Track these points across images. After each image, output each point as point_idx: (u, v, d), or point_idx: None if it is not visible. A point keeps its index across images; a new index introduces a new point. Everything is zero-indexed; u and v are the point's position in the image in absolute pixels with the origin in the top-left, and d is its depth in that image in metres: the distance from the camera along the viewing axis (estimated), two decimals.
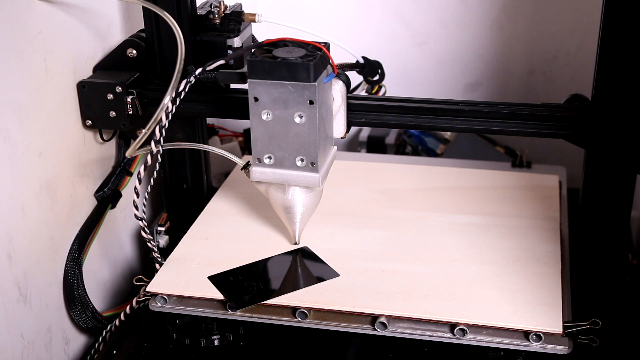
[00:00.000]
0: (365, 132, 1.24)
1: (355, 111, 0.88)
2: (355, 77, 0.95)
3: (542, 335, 0.76)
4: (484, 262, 0.86)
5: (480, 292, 0.81)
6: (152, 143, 0.82)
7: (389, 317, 0.79)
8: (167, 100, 0.81)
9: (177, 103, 0.83)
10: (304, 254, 0.87)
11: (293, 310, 0.81)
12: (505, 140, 1.20)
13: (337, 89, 0.85)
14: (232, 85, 0.95)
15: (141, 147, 0.85)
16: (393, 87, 1.05)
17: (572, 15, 1.20)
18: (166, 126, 0.82)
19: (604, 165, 0.86)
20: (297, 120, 0.79)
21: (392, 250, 0.88)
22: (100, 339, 0.90)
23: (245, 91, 0.82)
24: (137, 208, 0.85)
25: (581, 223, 0.91)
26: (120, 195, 0.98)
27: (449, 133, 1.19)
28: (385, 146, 1.22)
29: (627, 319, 0.89)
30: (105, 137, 0.99)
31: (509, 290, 0.81)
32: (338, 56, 0.86)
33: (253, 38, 0.99)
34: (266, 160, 0.83)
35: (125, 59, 0.95)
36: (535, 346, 0.77)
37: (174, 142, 0.96)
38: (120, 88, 0.92)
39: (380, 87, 1.01)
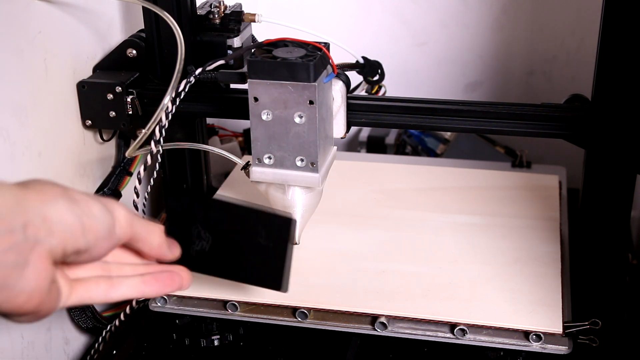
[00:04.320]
0: (365, 132, 1.24)
1: (355, 111, 0.88)
2: (355, 77, 0.95)
3: (542, 335, 0.76)
4: (484, 262, 0.86)
5: (480, 292, 0.81)
6: (152, 143, 0.82)
7: (388, 317, 0.79)
8: (167, 100, 0.81)
9: (177, 103, 0.83)
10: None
11: (293, 310, 0.81)
12: (505, 140, 1.20)
13: (337, 89, 0.85)
14: (232, 85, 0.95)
15: (141, 147, 0.85)
16: (393, 87, 1.05)
17: (572, 15, 1.20)
18: (166, 126, 0.82)
19: (604, 165, 0.86)
20: (297, 120, 0.79)
21: (392, 250, 0.88)
22: (100, 339, 0.90)
23: (245, 91, 0.82)
24: (137, 208, 0.85)
25: (581, 223, 0.91)
26: (120, 196, 0.97)
27: (449, 133, 1.19)
28: (385, 146, 1.22)
29: (627, 319, 0.89)
30: (105, 137, 0.99)
31: (509, 290, 0.81)
32: (338, 56, 0.86)
33: (253, 38, 0.99)
34: (266, 160, 0.83)
35: (125, 59, 0.95)
36: (535, 346, 0.77)
37: (174, 142, 0.96)
38: (120, 88, 0.92)
39: (380, 87, 1.00)
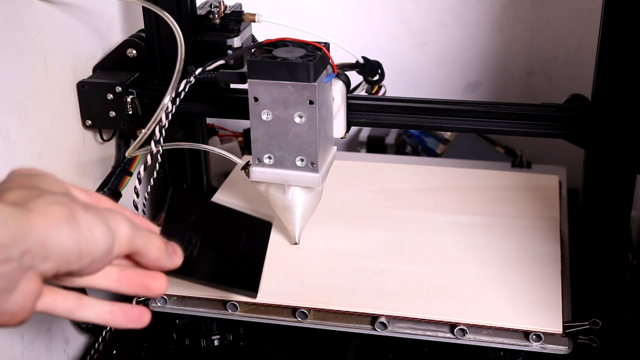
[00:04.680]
0: (365, 132, 1.24)
1: (355, 111, 0.88)
2: (355, 77, 0.95)
3: (542, 335, 0.76)
4: (484, 262, 0.86)
5: (480, 292, 0.81)
6: (152, 143, 0.82)
7: (389, 317, 0.79)
8: (167, 100, 0.81)
9: (177, 103, 0.83)
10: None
11: (293, 310, 0.81)
12: (505, 140, 1.20)
13: (337, 89, 0.85)
14: (232, 85, 0.95)
15: (141, 147, 0.85)
16: (393, 87, 1.05)
17: (572, 15, 1.20)
18: (166, 126, 0.82)
19: (604, 165, 0.86)
20: (297, 120, 0.79)
21: (392, 250, 0.88)
22: (100, 339, 0.90)
23: (245, 91, 0.82)
24: (137, 208, 0.85)
25: (581, 223, 0.91)
26: (120, 195, 0.97)
27: (449, 133, 1.19)
28: (385, 146, 1.22)
29: (627, 319, 0.89)
30: (105, 137, 0.99)
31: (509, 290, 0.81)
32: (338, 56, 0.86)
33: (253, 38, 0.99)
34: (266, 160, 0.83)
35: (125, 59, 0.95)
36: (535, 346, 0.77)
37: (174, 142, 0.96)
38: (120, 88, 0.92)
39: (380, 87, 1.00)
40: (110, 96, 0.92)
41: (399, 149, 1.22)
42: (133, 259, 0.55)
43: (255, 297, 0.67)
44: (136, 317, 0.56)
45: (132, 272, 0.56)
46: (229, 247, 0.65)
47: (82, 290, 0.55)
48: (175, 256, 0.58)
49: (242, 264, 0.66)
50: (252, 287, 0.66)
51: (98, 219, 0.50)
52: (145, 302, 0.86)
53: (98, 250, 0.50)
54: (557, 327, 0.76)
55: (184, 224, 0.61)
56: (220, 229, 0.64)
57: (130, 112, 0.93)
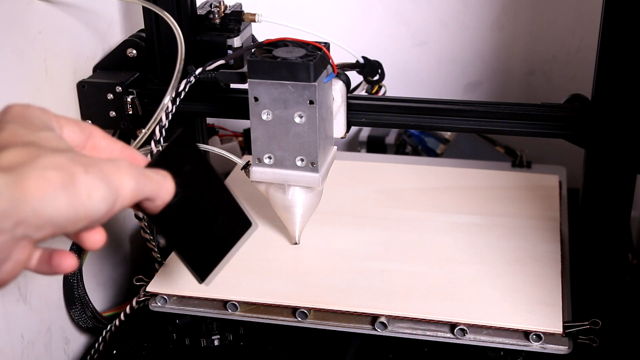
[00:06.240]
0: (365, 132, 1.24)
1: (355, 111, 0.88)
2: (355, 77, 0.95)
3: (542, 335, 0.76)
4: (484, 262, 0.86)
5: (480, 292, 0.81)
6: (152, 143, 0.82)
7: (389, 317, 0.79)
8: (167, 100, 0.81)
9: (177, 103, 0.83)
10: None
11: (293, 310, 0.81)
12: (505, 140, 1.20)
13: (337, 88, 0.85)
14: (232, 85, 0.95)
15: (141, 147, 0.85)
16: (393, 87, 1.05)
17: (572, 15, 1.20)
18: (166, 126, 0.82)
19: (604, 165, 0.86)
20: (297, 120, 0.79)
21: (392, 250, 0.88)
22: (100, 339, 0.90)
23: (245, 91, 0.82)
24: None
25: (581, 223, 0.91)
26: None
27: (449, 133, 1.19)
28: (385, 146, 1.22)
29: (627, 319, 0.89)
30: None
31: (509, 290, 0.81)
32: (338, 56, 0.86)
33: (253, 38, 0.99)
34: (266, 160, 0.83)
35: (125, 59, 0.95)
36: (535, 346, 0.77)
37: None
38: (120, 88, 0.92)
39: (380, 87, 1.00)
40: (110, 96, 0.92)
41: (399, 149, 1.22)
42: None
43: (201, 283, 0.64)
44: (56, 264, 0.52)
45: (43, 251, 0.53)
46: (204, 218, 0.62)
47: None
48: None
49: (206, 244, 0.63)
50: (202, 272, 0.63)
51: (99, 179, 0.47)
52: (145, 301, 0.86)
53: (96, 213, 0.48)
54: (557, 327, 0.76)
55: (176, 169, 0.58)
56: (206, 196, 0.62)
57: (130, 112, 0.93)
